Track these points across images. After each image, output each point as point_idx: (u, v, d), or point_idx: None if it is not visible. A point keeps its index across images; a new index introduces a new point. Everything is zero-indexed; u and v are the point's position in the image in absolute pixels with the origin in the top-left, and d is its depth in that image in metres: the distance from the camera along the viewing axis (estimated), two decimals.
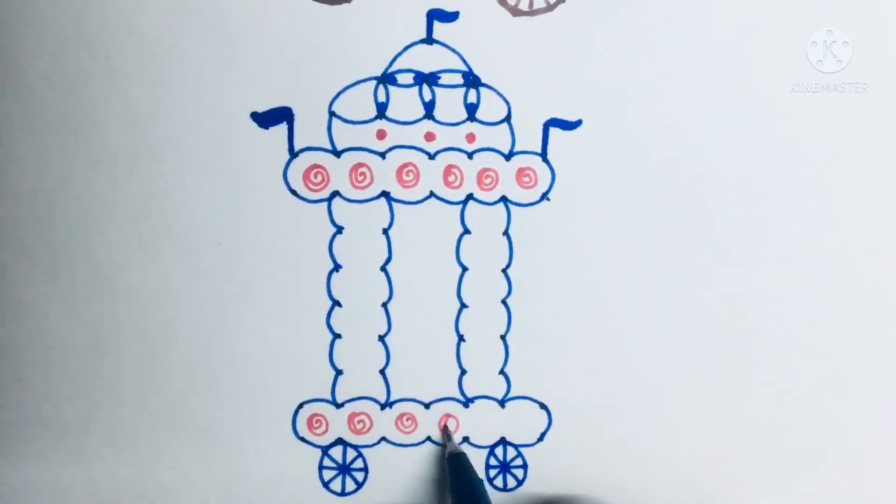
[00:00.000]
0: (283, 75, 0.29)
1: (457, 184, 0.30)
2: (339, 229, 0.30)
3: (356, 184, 0.30)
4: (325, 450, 0.31)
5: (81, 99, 0.29)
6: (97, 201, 0.29)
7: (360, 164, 0.30)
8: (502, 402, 0.31)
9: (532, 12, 0.29)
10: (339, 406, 0.31)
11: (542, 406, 0.31)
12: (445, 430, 0.31)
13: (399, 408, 0.31)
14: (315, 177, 0.30)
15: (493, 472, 0.32)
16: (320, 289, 0.30)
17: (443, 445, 0.31)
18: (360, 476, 0.31)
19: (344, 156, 0.30)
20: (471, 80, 0.30)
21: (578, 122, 0.30)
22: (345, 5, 0.29)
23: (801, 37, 0.31)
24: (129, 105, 0.29)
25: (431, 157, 0.30)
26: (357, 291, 0.30)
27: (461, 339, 0.31)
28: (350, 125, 0.29)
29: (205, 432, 0.30)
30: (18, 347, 0.30)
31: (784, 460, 0.32)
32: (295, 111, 0.29)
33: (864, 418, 0.32)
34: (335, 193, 0.30)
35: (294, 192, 0.30)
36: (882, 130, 0.32)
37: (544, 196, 0.31)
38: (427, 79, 0.29)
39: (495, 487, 0.32)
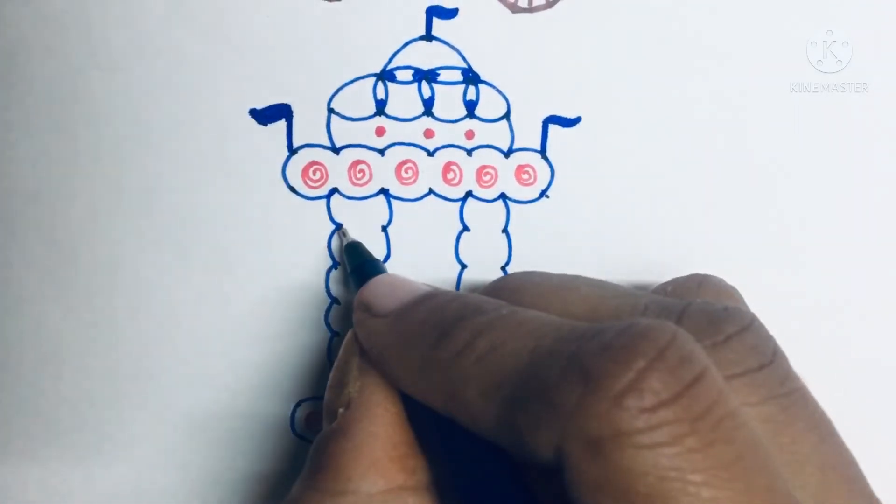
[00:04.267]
0: (282, 72, 0.29)
1: (456, 181, 0.30)
2: (338, 227, 0.30)
3: (355, 181, 0.30)
4: None
5: (79, 95, 0.29)
6: (95, 198, 0.29)
7: (359, 161, 0.30)
8: None
9: (531, 9, 0.29)
10: None
11: None
12: (339, 228, 0.30)
13: None
14: (314, 174, 0.30)
15: None
16: (319, 286, 0.30)
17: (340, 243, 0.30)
18: None
19: (343, 153, 0.30)
20: (470, 77, 0.30)
21: (578, 119, 0.30)
22: (344, 1, 0.29)
23: (801, 37, 0.31)
24: (127, 101, 0.29)
25: (430, 154, 0.30)
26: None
27: None
28: (349, 122, 0.29)
29: (203, 430, 0.30)
30: (15, 344, 0.30)
31: None
32: (294, 108, 0.29)
33: (866, 418, 0.32)
34: (334, 190, 0.30)
35: (293, 189, 0.29)
36: (882, 130, 0.32)
37: (543, 193, 0.30)
38: (426, 76, 0.29)
39: None
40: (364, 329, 0.24)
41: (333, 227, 0.30)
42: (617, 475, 0.16)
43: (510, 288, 0.25)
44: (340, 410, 0.23)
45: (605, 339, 0.18)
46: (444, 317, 0.22)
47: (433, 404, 0.21)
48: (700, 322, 0.21)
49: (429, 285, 0.25)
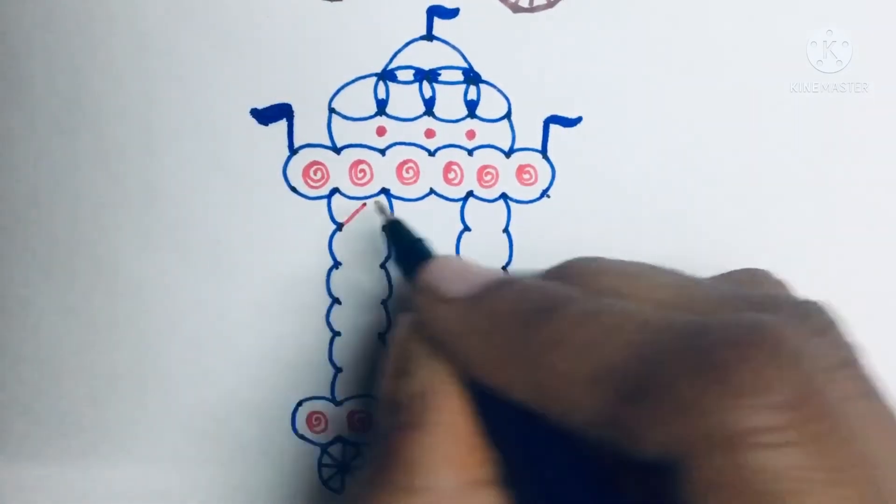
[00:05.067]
0: (283, 72, 0.29)
1: (457, 181, 0.30)
2: (339, 226, 0.30)
3: (356, 181, 0.30)
4: (324, 447, 0.31)
5: (79, 95, 0.29)
6: (96, 198, 0.29)
7: (360, 161, 0.30)
8: None
9: (532, 9, 0.29)
10: (338, 404, 0.31)
11: None
12: (378, 204, 0.29)
13: None
14: (315, 174, 0.30)
15: None
16: (320, 286, 0.30)
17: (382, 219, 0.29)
18: None
19: (344, 153, 0.30)
20: (471, 77, 0.30)
21: (579, 119, 0.30)
22: (345, 1, 0.29)
23: (801, 37, 0.31)
24: (129, 101, 0.29)
25: (431, 153, 0.30)
26: (357, 289, 0.30)
27: None
28: (350, 122, 0.29)
29: (203, 429, 0.30)
30: (16, 344, 0.30)
31: None
32: (295, 108, 0.29)
33: None
34: (335, 190, 0.30)
35: (294, 189, 0.29)
36: (882, 130, 0.32)
37: (544, 193, 0.30)
38: (427, 75, 0.29)
39: None
40: (432, 314, 0.23)
41: (334, 226, 0.30)
42: (741, 474, 0.16)
43: (583, 271, 0.24)
44: (405, 402, 0.22)
45: (731, 336, 0.18)
46: (534, 304, 0.21)
47: (516, 394, 0.21)
48: (794, 314, 0.21)
49: (496, 270, 0.24)
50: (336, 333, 0.30)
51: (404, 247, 0.27)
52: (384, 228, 0.28)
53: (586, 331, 0.20)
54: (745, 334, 0.18)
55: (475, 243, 0.30)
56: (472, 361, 0.22)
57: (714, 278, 0.26)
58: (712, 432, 0.17)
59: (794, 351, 0.17)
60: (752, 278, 0.25)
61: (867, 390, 0.20)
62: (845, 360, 0.20)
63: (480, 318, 0.22)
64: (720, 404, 0.17)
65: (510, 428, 0.22)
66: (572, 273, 0.24)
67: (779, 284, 0.26)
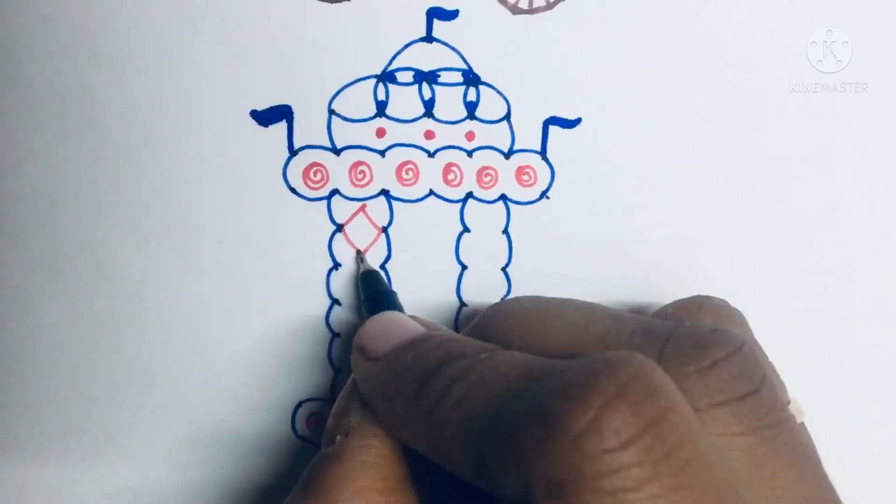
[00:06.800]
0: (283, 73, 0.29)
1: (456, 182, 0.30)
2: (339, 227, 0.30)
3: (356, 182, 0.30)
4: None
5: (80, 96, 0.29)
6: (96, 199, 0.29)
7: (360, 163, 0.30)
8: None
9: (532, 10, 0.29)
10: None
11: None
12: (358, 254, 0.30)
13: None
14: (314, 175, 0.30)
15: None
16: (320, 287, 0.30)
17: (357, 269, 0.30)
18: None
19: (343, 154, 0.30)
20: (470, 79, 0.30)
21: (578, 121, 0.30)
22: (345, 3, 0.29)
23: (801, 37, 0.31)
24: (129, 102, 0.29)
25: (431, 155, 0.30)
26: (356, 290, 0.30)
27: None
28: (350, 123, 0.29)
29: (204, 431, 0.30)
30: (17, 345, 0.30)
31: None
32: (294, 109, 0.29)
33: (863, 419, 0.32)
34: (334, 191, 0.30)
35: (293, 191, 0.29)
36: (882, 130, 0.32)
37: (544, 194, 0.31)
38: (427, 77, 0.29)
39: None
40: (358, 372, 0.24)
41: (334, 227, 0.30)
42: None
43: (500, 315, 0.25)
44: (338, 437, 0.24)
45: (567, 377, 0.17)
46: (427, 364, 0.22)
47: (417, 448, 0.22)
48: (686, 346, 0.21)
49: (429, 324, 0.25)
50: (336, 335, 0.30)
51: (369, 298, 0.28)
52: (360, 279, 0.29)
53: (462, 384, 0.20)
54: (583, 374, 0.17)
55: (474, 244, 0.30)
56: (381, 417, 0.23)
57: (660, 308, 0.27)
58: (546, 477, 0.16)
59: (641, 389, 0.17)
60: (701, 308, 0.26)
61: (757, 425, 0.20)
62: (735, 394, 0.20)
63: (387, 378, 0.23)
64: (549, 448, 0.16)
65: (428, 477, 0.23)
66: (494, 316, 0.25)
67: (727, 315, 0.26)
